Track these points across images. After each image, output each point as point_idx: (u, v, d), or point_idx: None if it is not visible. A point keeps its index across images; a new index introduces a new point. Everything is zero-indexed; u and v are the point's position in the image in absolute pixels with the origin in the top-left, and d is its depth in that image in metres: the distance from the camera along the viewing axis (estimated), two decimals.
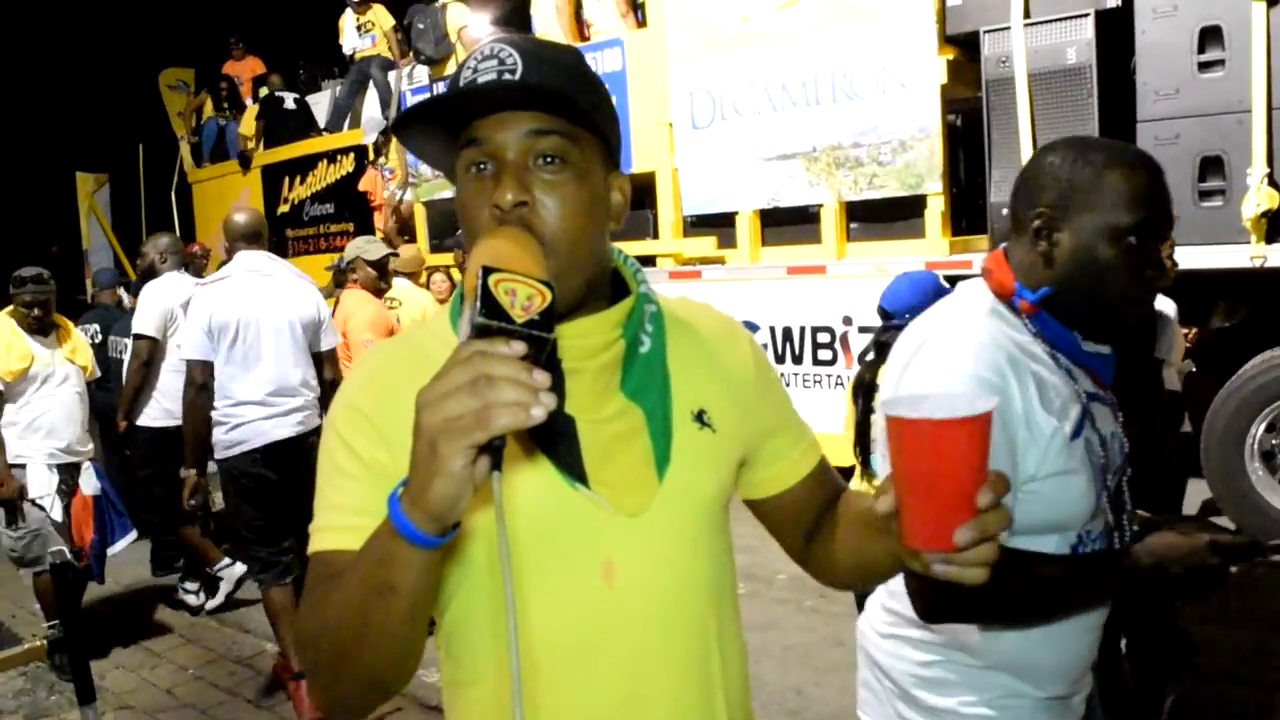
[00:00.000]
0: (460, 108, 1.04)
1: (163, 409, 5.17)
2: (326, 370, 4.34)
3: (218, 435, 4.10)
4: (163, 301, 5.16)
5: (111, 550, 4.79)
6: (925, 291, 2.97)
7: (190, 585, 5.37)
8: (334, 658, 0.99)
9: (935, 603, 1.45)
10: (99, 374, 5.16)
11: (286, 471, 4.11)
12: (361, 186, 9.75)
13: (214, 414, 4.10)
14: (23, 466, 4.60)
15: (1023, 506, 1.44)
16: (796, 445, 1.28)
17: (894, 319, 3.00)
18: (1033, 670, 1.54)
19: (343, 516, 1.05)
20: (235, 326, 4.04)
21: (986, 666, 1.55)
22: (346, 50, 10.09)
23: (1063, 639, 1.53)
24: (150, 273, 5.45)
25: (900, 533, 0.94)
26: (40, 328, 4.65)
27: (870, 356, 3.08)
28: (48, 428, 4.65)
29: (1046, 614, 1.51)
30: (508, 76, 1.03)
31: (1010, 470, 1.41)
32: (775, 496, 1.27)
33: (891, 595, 1.66)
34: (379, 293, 5.21)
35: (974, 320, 1.52)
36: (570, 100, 1.01)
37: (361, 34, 9.88)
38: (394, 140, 8.97)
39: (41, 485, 4.62)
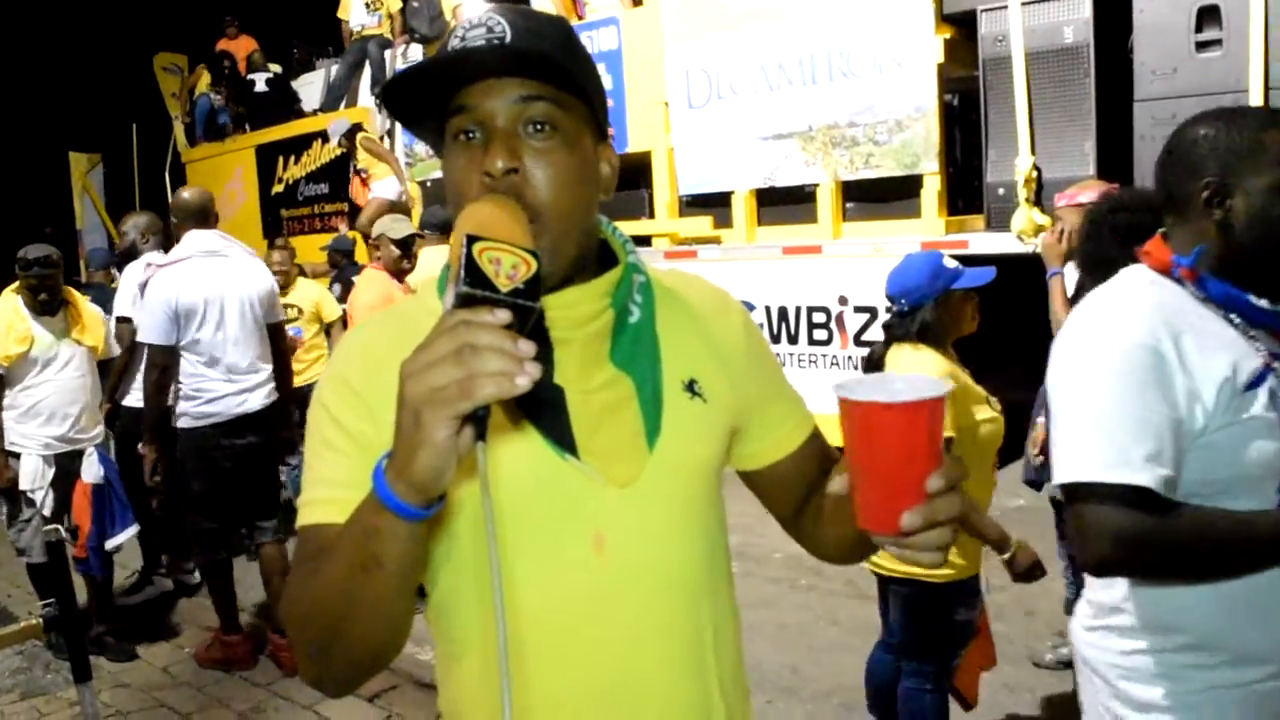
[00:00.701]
0: (448, 75, 1.03)
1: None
2: (279, 342, 4.51)
3: (186, 407, 4.17)
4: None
5: (110, 543, 4.60)
6: (921, 272, 2.83)
7: (186, 564, 5.37)
8: (323, 631, 0.98)
9: (1102, 554, 1.49)
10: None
11: (248, 443, 4.28)
12: (351, 195, 9.53)
13: (184, 389, 4.17)
14: (18, 456, 4.46)
15: (1202, 462, 1.49)
16: (789, 417, 1.28)
17: (895, 303, 2.87)
18: (1238, 649, 1.53)
19: (329, 490, 1.05)
20: (202, 308, 4.11)
21: (1187, 648, 1.54)
22: (354, 25, 9.91)
23: (1271, 611, 1.52)
24: (131, 253, 5.23)
25: (853, 514, 0.95)
26: (46, 309, 4.47)
27: (882, 338, 3.00)
28: (46, 414, 4.47)
29: (1219, 568, 1.52)
30: (496, 43, 1.02)
31: (1174, 424, 1.47)
32: (768, 468, 1.27)
33: (1091, 587, 1.68)
34: (401, 273, 5.04)
35: (1132, 290, 1.60)
36: (560, 66, 1.00)
37: (370, 11, 9.78)
38: (357, 140, 8.81)
39: (33, 477, 4.47)
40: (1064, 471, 1.53)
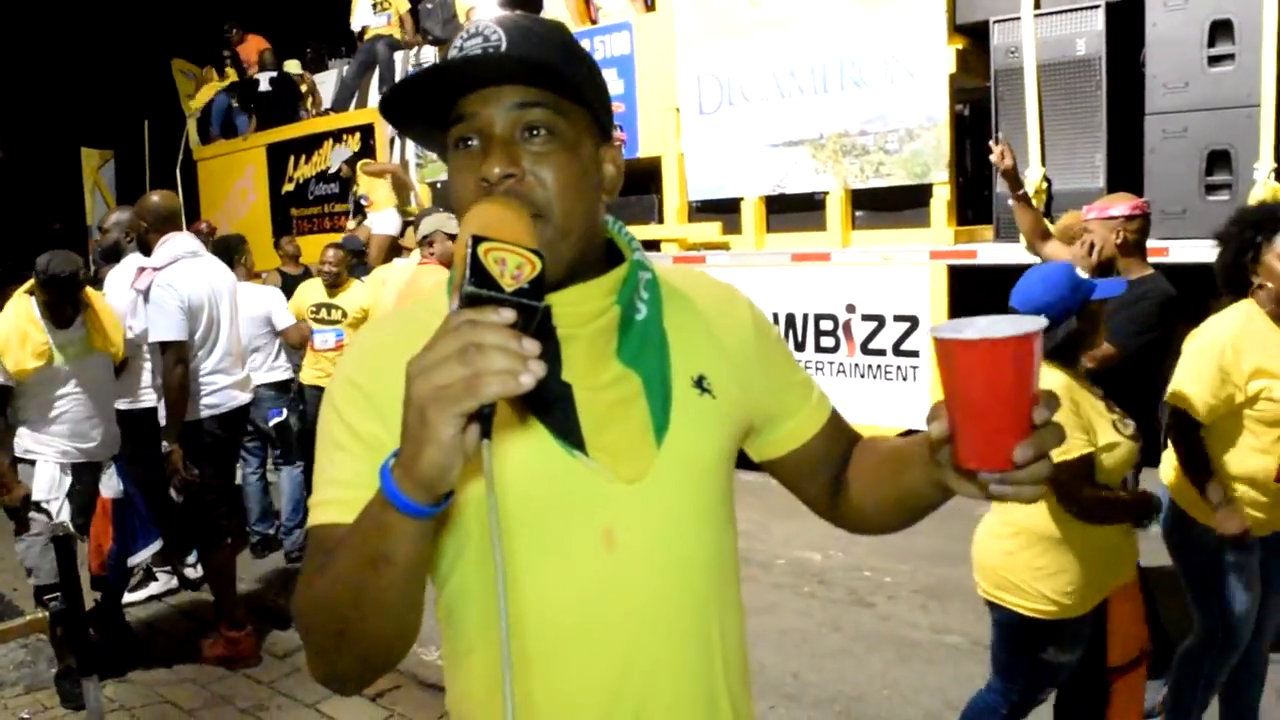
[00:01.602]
0: (447, 85, 1.04)
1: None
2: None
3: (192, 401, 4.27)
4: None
5: (134, 559, 4.45)
6: (1062, 284, 2.51)
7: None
8: (331, 629, 0.99)
9: None
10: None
11: (234, 436, 4.54)
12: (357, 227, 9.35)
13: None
14: (32, 463, 4.10)
15: None
16: (806, 401, 1.29)
17: None
18: None
19: (339, 490, 1.05)
20: (206, 304, 4.26)
21: None
22: (356, 26, 9.94)
23: None
24: (114, 252, 4.94)
25: (956, 455, 0.96)
26: (66, 323, 4.06)
27: None
28: (68, 426, 4.12)
29: None
30: (492, 51, 1.03)
31: None
32: (792, 453, 1.28)
33: None
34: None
35: None
36: (555, 71, 1.01)
37: (377, 12, 9.78)
38: (358, 167, 8.87)
39: (47, 487, 4.09)
40: None
